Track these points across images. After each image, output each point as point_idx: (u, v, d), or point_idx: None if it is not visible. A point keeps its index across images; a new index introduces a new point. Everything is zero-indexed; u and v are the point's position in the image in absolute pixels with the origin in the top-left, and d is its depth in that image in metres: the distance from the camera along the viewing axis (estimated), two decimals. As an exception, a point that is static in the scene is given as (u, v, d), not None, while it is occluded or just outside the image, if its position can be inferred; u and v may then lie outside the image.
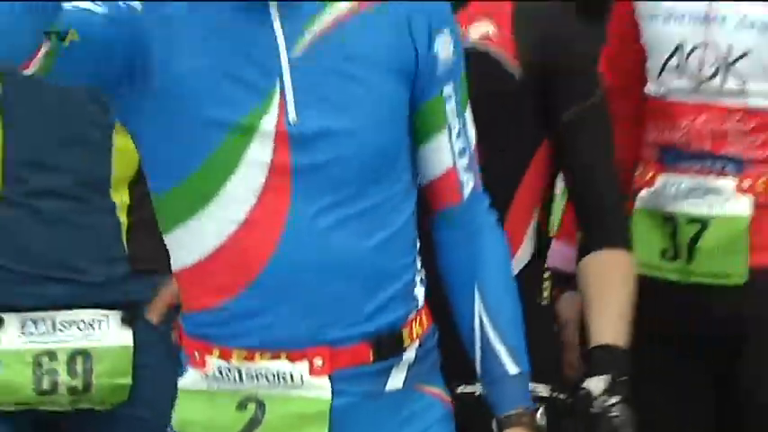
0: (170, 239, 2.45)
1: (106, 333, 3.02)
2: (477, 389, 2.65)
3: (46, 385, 2.96)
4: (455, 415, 2.49)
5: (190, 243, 2.42)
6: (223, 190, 2.37)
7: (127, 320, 3.01)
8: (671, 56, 2.95)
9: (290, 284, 2.37)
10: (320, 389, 2.35)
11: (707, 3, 2.94)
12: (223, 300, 2.39)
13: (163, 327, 3.10)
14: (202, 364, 2.42)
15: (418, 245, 2.44)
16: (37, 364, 2.98)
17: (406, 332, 2.40)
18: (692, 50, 2.93)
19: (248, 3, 2.35)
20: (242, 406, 2.41)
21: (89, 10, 2.28)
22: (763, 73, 2.90)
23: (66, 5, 2.25)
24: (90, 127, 3.01)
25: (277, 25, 2.35)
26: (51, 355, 2.98)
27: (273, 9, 2.36)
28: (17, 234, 3.01)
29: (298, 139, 2.34)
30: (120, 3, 2.33)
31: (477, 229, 2.49)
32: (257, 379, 2.41)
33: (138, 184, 3.01)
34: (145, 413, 3.05)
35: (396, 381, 2.40)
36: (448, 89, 2.45)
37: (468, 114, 2.49)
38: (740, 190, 2.90)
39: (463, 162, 2.47)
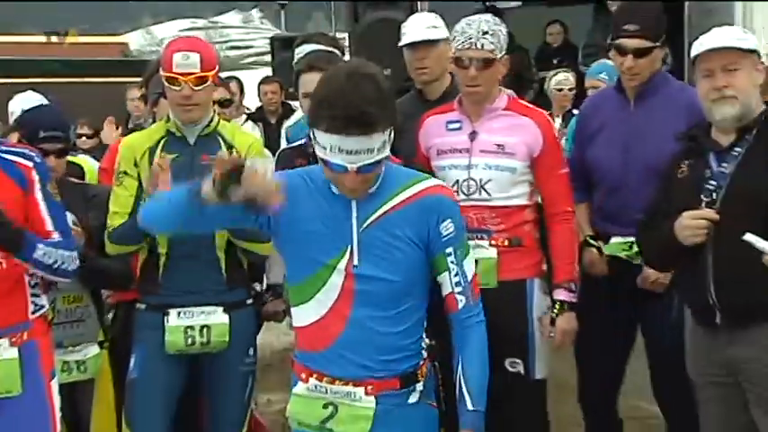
0: (294, 310, 2.99)
1: (216, 317, 4.10)
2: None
3: (189, 342, 4.07)
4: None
5: (300, 316, 2.98)
6: (315, 296, 2.93)
7: (226, 311, 4.11)
8: (453, 185, 3.93)
9: (351, 348, 2.92)
10: (370, 402, 2.92)
11: (467, 158, 3.97)
12: (316, 350, 2.97)
13: (244, 317, 4.10)
14: (306, 380, 2.98)
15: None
16: (185, 332, 4.06)
17: (418, 373, 2.99)
18: (464, 181, 3.98)
19: (338, 197, 2.87)
20: (326, 406, 2.96)
21: None
22: (498, 190, 3.95)
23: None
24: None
25: (354, 213, 2.87)
26: (192, 328, 4.06)
27: (353, 203, 2.88)
28: (176, 274, 4.10)
29: (359, 276, 2.86)
30: None
31: (465, 327, 3.02)
32: (336, 393, 2.94)
33: (231, 247, 4.07)
34: (232, 352, 4.15)
35: (413, 398, 2.99)
36: (449, 250, 2.94)
37: (467, 261, 2.95)
38: (491, 246, 4.01)
39: (458, 289, 2.95)
